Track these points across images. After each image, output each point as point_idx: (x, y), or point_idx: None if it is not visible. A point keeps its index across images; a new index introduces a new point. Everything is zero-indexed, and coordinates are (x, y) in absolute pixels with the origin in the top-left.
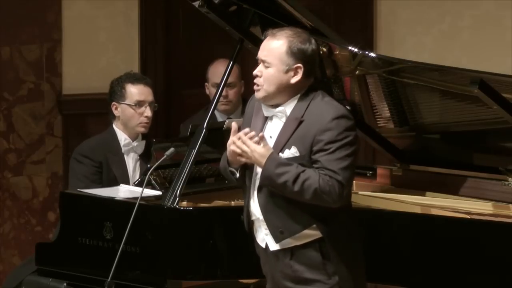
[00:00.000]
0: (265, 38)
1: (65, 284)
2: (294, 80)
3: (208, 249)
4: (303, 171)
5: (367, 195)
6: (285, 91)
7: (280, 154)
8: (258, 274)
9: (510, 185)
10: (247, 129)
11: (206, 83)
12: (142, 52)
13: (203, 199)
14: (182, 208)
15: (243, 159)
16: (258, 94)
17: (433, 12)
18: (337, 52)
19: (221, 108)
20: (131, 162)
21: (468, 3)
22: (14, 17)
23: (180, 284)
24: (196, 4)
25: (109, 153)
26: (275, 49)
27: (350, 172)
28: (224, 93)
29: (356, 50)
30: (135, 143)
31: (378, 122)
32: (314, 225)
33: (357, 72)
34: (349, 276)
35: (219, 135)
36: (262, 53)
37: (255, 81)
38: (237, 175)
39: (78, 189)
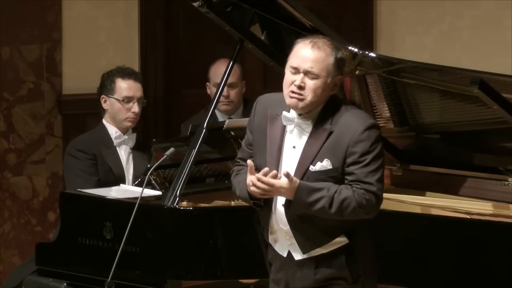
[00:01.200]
0: (298, 45)
1: (65, 284)
2: (334, 91)
3: (208, 249)
4: (336, 191)
5: None
6: (321, 102)
7: (311, 166)
8: (258, 274)
9: (510, 185)
10: (266, 169)
11: (207, 83)
12: (142, 52)
13: (203, 199)
14: (182, 208)
15: (268, 195)
16: (299, 104)
17: (433, 12)
18: None
19: (222, 108)
20: (124, 155)
21: (468, 3)
22: (14, 17)
23: (180, 284)
24: (196, 4)
25: (101, 146)
26: (322, 61)
27: (382, 183)
28: (225, 93)
29: (356, 50)
30: (126, 136)
31: (378, 122)
32: (343, 234)
33: (357, 72)
34: (371, 281)
35: (219, 135)
36: (305, 64)
37: (298, 91)
38: (262, 204)
39: (78, 189)
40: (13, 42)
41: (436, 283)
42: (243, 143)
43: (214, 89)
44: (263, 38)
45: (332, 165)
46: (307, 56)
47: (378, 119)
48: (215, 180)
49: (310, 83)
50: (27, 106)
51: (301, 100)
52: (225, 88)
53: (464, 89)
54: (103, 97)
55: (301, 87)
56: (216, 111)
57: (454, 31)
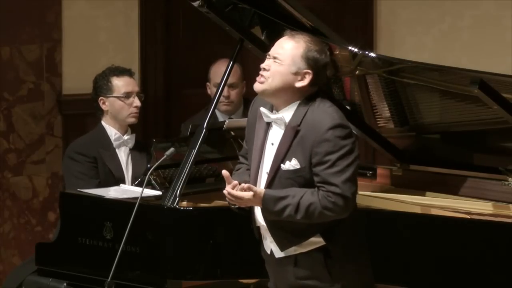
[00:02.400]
0: (282, 37)
1: (65, 284)
2: (299, 84)
3: (208, 249)
4: (301, 197)
5: (367, 195)
6: (286, 93)
7: (282, 165)
8: (258, 274)
9: (510, 185)
10: (235, 182)
11: (207, 83)
12: (142, 52)
13: (203, 199)
14: (182, 208)
15: (242, 205)
16: (260, 86)
17: (433, 12)
18: (337, 52)
19: (222, 109)
20: (124, 156)
21: (468, 3)
22: (14, 17)
23: (180, 284)
24: (196, 4)
25: (101, 148)
26: (290, 49)
27: (353, 182)
28: (226, 93)
29: (356, 50)
30: (125, 137)
31: (378, 122)
32: (318, 234)
33: (357, 72)
34: (354, 283)
35: (219, 135)
36: (275, 50)
37: (261, 73)
38: (246, 208)
39: (78, 189)
40: (13, 42)
41: (436, 283)
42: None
43: (215, 89)
44: (263, 38)
45: (300, 165)
46: (279, 43)
47: (378, 119)
48: (215, 180)
49: (273, 67)
50: (27, 106)
51: (261, 82)
52: (226, 89)
53: (464, 89)
54: (101, 99)
55: (264, 69)
56: (216, 111)
57: (454, 31)
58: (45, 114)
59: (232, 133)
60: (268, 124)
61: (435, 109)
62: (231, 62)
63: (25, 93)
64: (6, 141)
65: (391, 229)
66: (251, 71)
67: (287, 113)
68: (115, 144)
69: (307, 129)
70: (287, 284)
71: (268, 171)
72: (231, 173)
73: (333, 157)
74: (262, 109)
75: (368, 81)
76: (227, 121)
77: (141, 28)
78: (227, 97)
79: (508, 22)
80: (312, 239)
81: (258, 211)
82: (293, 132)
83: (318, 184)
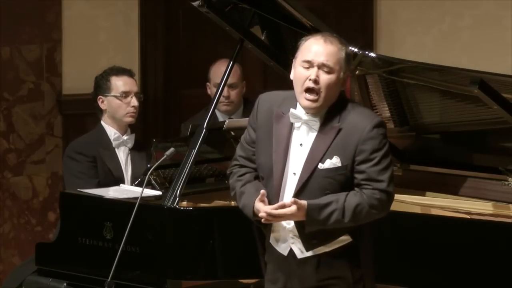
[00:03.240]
0: (309, 41)
1: (65, 284)
2: (343, 87)
3: (208, 249)
4: (345, 200)
5: None
6: (332, 99)
7: (320, 164)
8: (258, 274)
9: (510, 185)
10: (281, 203)
11: (207, 83)
12: (142, 52)
13: (203, 199)
14: (182, 208)
15: (280, 220)
16: (316, 104)
17: (433, 12)
18: None
19: (222, 109)
20: (123, 156)
21: (468, 3)
22: (14, 17)
23: (180, 284)
24: (196, 4)
25: (100, 148)
26: (335, 54)
27: (393, 180)
28: (226, 93)
29: (356, 50)
30: (125, 137)
31: None
32: (346, 233)
33: (357, 72)
34: (371, 278)
35: (219, 135)
36: (320, 58)
37: (313, 86)
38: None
39: (78, 189)
40: (13, 42)
41: (436, 283)
42: (242, 140)
43: (215, 89)
44: (263, 38)
45: (341, 163)
46: (321, 50)
47: None
48: (215, 180)
49: (324, 78)
50: (27, 106)
51: (316, 100)
52: (226, 89)
53: (464, 89)
54: (100, 98)
55: (316, 81)
56: (216, 111)
57: (454, 31)
58: (45, 114)
59: (232, 133)
60: (290, 126)
61: (435, 109)
62: (231, 62)
63: (25, 93)
64: (6, 141)
65: (391, 229)
66: (251, 71)
67: (319, 114)
68: (114, 144)
69: (349, 128)
70: (306, 286)
71: (297, 171)
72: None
73: (379, 154)
74: (293, 111)
75: (368, 81)
76: (227, 121)
77: (141, 28)
78: (227, 97)
79: (508, 22)
80: (339, 238)
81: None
82: (333, 131)
83: (363, 182)
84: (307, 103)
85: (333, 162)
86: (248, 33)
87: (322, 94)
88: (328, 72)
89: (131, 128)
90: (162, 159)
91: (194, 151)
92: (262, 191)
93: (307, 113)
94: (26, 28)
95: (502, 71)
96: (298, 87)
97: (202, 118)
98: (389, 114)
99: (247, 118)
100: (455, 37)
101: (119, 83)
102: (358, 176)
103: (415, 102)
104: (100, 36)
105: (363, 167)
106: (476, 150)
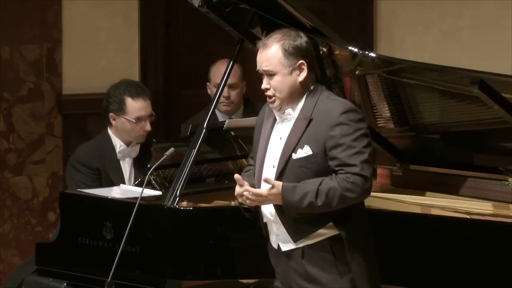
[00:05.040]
0: (257, 50)
1: (65, 284)
2: (301, 77)
3: (208, 249)
4: (320, 183)
5: None
6: (297, 92)
7: (293, 154)
8: (258, 274)
9: (510, 185)
10: (248, 186)
11: (208, 83)
12: (142, 52)
13: (203, 199)
14: (182, 208)
15: (261, 203)
16: (274, 105)
17: (433, 12)
18: (337, 52)
19: (222, 109)
20: (127, 167)
21: (468, 3)
22: (14, 17)
23: (180, 284)
24: (196, 4)
25: (104, 159)
26: (272, 57)
27: (370, 163)
28: (226, 94)
29: (356, 50)
30: (129, 148)
31: (378, 122)
32: (329, 224)
33: (357, 72)
34: (363, 275)
35: (219, 135)
36: (261, 65)
37: (266, 93)
38: (253, 210)
39: (78, 189)
40: (13, 42)
41: (436, 283)
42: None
43: (215, 90)
44: (263, 38)
45: (312, 151)
46: (259, 58)
47: (378, 119)
48: (215, 180)
49: (273, 82)
50: (27, 106)
51: (273, 101)
52: (226, 89)
53: (464, 89)
54: (111, 115)
55: (266, 89)
56: (216, 111)
57: (454, 31)
58: (45, 114)
59: (232, 133)
60: (275, 121)
61: (435, 109)
62: (231, 63)
63: (25, 93)
64: (6, 141)
65: (391, 229)
66: (251, 71)
67: (296, 107)
68: (119, 155)
69: (319, 117)
70: (296, 278)
71: (275, 164)
72: (231, 174)
73: (349, 139)
74: (274, 110)
75: (368, 81)
76: (227, 121)
77: (141, 28)
78: (227, 98)
79: (508, 22)
80: (320, 230)
81: (265, 206)
82: (305, 122)
83: (337, 168)
84: (274, 108)
85: (304, 151)
86: (248, 33)
87: (279, 95)
88: (273, 75)
89: None
90: (162, 159)
91: (194, 151)
92: (236, 175)
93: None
94: (26, 28)
95: (502, 71)
96: None
97: (202, 118)
98: (389, 114)
99: (247, 118)
100: (455, 37)
101: (135, 108)
102: (332, 163)
103: (415, 102)
104: (100, 36)
105: (334, 153)
106: (476, 150)
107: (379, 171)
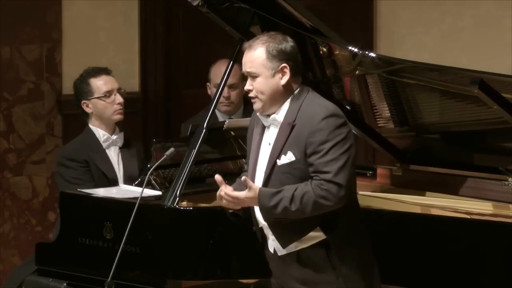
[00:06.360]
0: (243, 52)
1: (65, 284)
2: (283, 81)
3: (208, 249)
4: (295, 189)
5: (367, 195)
6: (279, 95)
7: (278, 160)
8: (258, 274)
9: (510, 185)
10: (228, 187)
11: (208, 84)
12: (142, 52)
13: (203, 199)
14: (182, 208)
15: (239, 206)
16: (256, 106)
17: (433, 12)
18: (337, 52)
19: (222, 109)
20: (114, 156)
21: (468, 3)
22: (14, 17)
23: (180, 284)
24: (196, 4)
25: (91, 151)
26: (255, 59)
27: (347, 170)
28: (226, 94)
29: (356, 50)
30: (114, 136)
31: (378, 122)
32: (318, 227)
33: (357, 72)
34: (357, 276)
35: (219, 135)
36: (245, 67)
37: (249, 95)
38: (240, 214)
39: (78, 189)
40: (13, 42)
41: (436, 283)
42: None
43: (215, 90)
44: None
45: (295, 157)
46: (244, 60)
47: (378, 119)
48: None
49: (255, 83)
50: (27, 106)
51: (255, 102)
52: (226, 89)
53: (464, 89)
54: (83, 102)
55: (249, 90)
56: (216, 111)
57: (454, 31)
58: (45, 114)
59: (232, 133)
60: (264, 127)
61: (435, 109)
62: (231, 63)
63: (25, 93)
64: (6, 141)
65: (391, 229)
66: None
67: (281, 112)
68: (104, 145)
69: (302, 123)
70: (292, 281)
71: (264, 170)
72: (231, 174)
73: (327, 146)
74: (259, 114)
75: (368, 81)
76: (227, 121)
77: (141, 28)
78: (227, 98)
79: (508, 22)
80: (313, 233)
81: (258, 212)
82: (288, 128)
83: (312, 174)
84: (256, 109)
85: (288, 157)
86: (248, 33)
87: (261, 97)
88: (255, 77)
89: (119, 126)
90: (162, 159)
91: (194, 151)
92: (216, 175)
93: (268, 115)
94: (26, 28)
95: (502, 71)
96: None
97: (202, 118)
98: (389, 114)
99: (247, 118)
100: (455, 37)
101: (99, 84)
102: (309, 169)
103: (415, 102)
104: (100, 36)
105: (311, 159)
106: (476, 150)
107: (379, 171)
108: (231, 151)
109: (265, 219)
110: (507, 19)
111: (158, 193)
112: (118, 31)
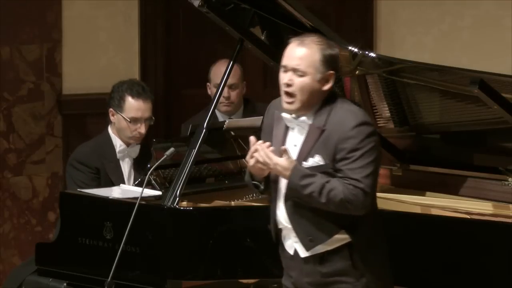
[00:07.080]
0: (288, 45)
1: (65, 284)
2: (326, 87)
3: (208, 249)
4: (328, 181)
5: None
6: (315, 99)
7: (304, 162)
8: (258, 274)
9: (510, 185)
10: (267, 143)
11: (208, 84)
12: (142, 52)
13: (203, 199)
14: (182, 208)
15: (266, 171)
16: (292, 106)
17: (433, 12)
18: None
19: (222, 109)
20: (126, 167)
21: (468, 3)
22: (14, 17)
23: (180, 284)
24: (196, 4)
25: (104, 159)
26: (307, 57)
27: (373, 179)
28: (226, 94)
29: (356, 50)
30: (129, 148)
31: (378, 122)
32: (343, 231)
33: (357, 72)
34: (377, 278)
35: (219, 135)
36: (292, 61)
37: (287, 90)
38: (262, 187)
39: (78, 189)
40: (13, 42)
41: (436, 283)
42: None
43: (215, 90)
44: (263, 38)
45: (324, 161)
46: (293, 54)
47: (378, 119)
48: (215, 180)
49: (297, 81)
50: (27, 106)
51: (292, 102)
52: (226, 89)
53: (464, 89)
54: (111, 110)
55: (289, 85)
56: (216, 111)
57: (454, 31)
58: (45, 114)
59: (232, 133)
60: (287, 128)
61: (435, 109)
62: (231, 63)
63: (25, 93)
64: (6, 141)
65: (391, 229)
66: (251, 71)
67: (309, 115)
68: (119, 155)
69: (332, 128)
70: (312, 282)
71: None
72: (231, 174)
73: (357, 153)
74: (284, 114)
75: (368, 81)
76: (227, 121)
77: (141, 28)
78: (228, 98)
79: (508, 22)
80: (338, 236)
81: (281, 213)
82: (318, 132)
83: (342, 179)
84: (286, 106)
85: (315, 160)
86: (248, 33)
87: (298, 97)
88: (301, 75)
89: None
90: (162, 159)
91: (194, 151)
92: (251, 137)
93: (291, 115)
94: (26, 28)
95: (502, 71)
96: (281, 91)
97: (202, 118)
98: (389, 114)
99: (247, 118)
100: (455, 37)
101: (132, 107)
102: (338, 175)
103: (415, 102)
104: (100, 36)
105: (340, 165)
106: (476, 150)
107: (379, 171)
108: (231, 151)
109: (288, 195)
110: (507, 19)
111: (158, 193)
112: (118, 31)
